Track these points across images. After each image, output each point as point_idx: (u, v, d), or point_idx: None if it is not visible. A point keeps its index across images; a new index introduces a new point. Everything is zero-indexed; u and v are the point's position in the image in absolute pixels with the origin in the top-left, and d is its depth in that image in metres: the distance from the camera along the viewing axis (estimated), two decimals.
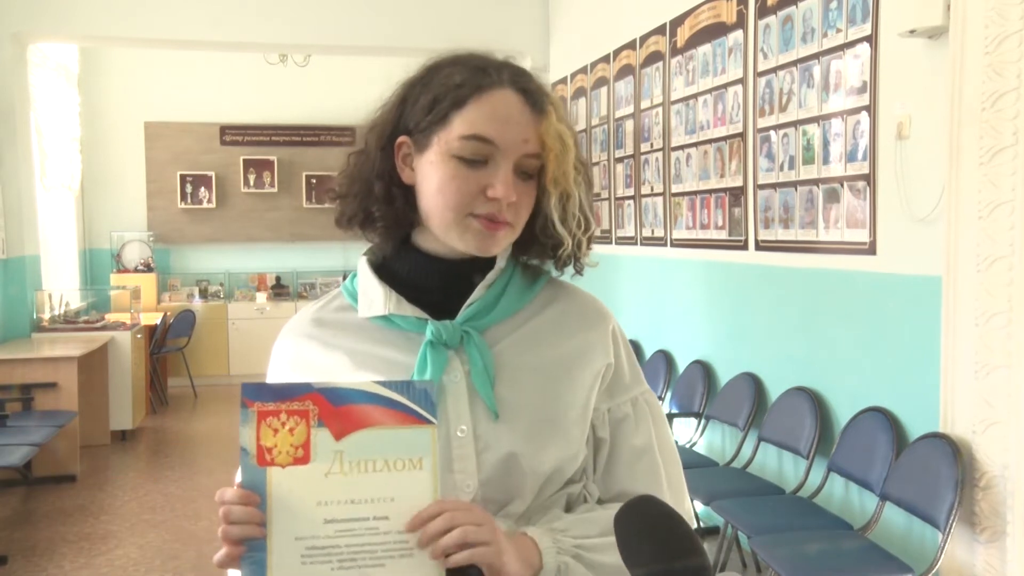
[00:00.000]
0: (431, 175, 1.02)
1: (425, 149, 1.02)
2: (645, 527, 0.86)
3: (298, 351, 1.09)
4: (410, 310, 1.04)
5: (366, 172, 1.06)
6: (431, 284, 1.06)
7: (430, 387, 0.93)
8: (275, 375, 1.11)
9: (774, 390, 3.64)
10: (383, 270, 1.08)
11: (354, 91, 8.76)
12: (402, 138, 1.04)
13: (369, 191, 1.05)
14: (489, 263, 1.07)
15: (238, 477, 0.93)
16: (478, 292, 1.05)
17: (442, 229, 1.02)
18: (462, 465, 1.00)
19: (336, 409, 0.91)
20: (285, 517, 0.89)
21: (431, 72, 1.05)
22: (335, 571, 0.89)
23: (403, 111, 1.05)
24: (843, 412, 3.20)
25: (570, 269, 1.11)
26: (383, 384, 0.92)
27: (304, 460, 0.90)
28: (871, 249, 3.02)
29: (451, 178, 1.00)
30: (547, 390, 1.05)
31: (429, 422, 0.92)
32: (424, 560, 0.90)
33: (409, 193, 1.05)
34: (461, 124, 1.00)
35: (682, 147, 4.41)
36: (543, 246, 1.07)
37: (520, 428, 1.02)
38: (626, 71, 5.11)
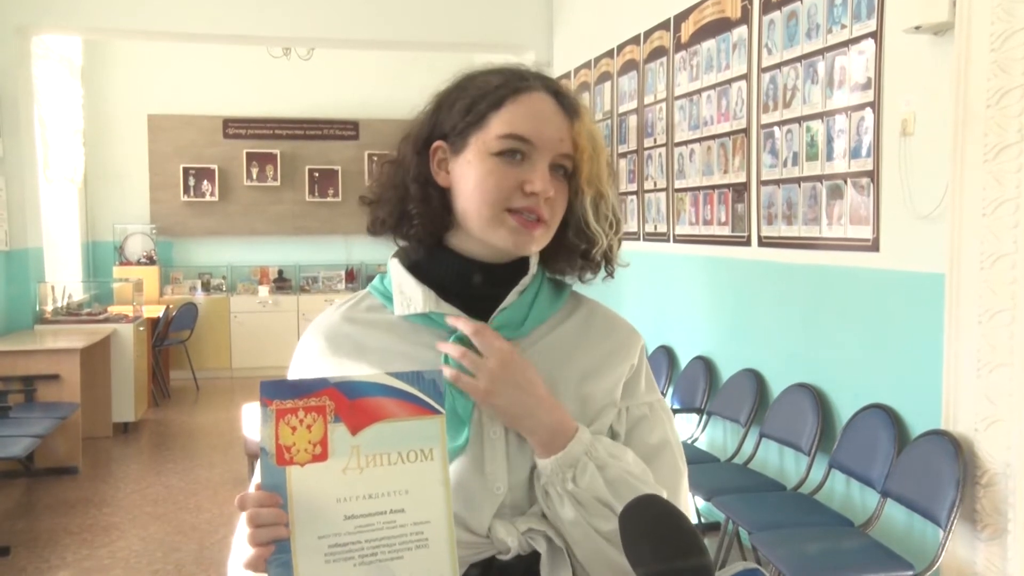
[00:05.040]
0: (468, 174, 1.04)
1: (462, 151, 1.05)
2: (650, 525, 0.88)
3: (331, 347, 1.09)
4: (448, 308, 1.06)
5: (400, 177, 1.08)
6: (465, 284, 1.08)
7: (438, 376, 0.95)
8: (303, 371, 1.10)
9: (776, 386, 3.63)
10: (416, 271, 1.10)
11: (357, 85, 8.79)
12: (437, 143, 1.07)
13: (405, 194, 1.08)
14: (521, 268, 1.08)
15: (257, 478, 0.94)
16: (511, 297, 1.07)
17: (479, 225, 1.04)
18: (493, 468, 1.03)
19: (351, 403, 0.92)
20: (307, 516, 0.90)
21: (466, 80, 1.08)
22: (357, 567, 0.90)
23: (438, 117, 1.08)
24: (845, 409, 3.19)
25: (600, 276, 1.14)
26: (394, 376, 0.94)
27: (322, 457, 0.91)
28: (874, 246, 3.01)
29: (489, 174, 1.03)
30: (577, 398, 1.07)
31: (438, 412, 0.93)
32: (439, 549, 0.92)
33: (444, 195, 1.07)
34: (499, 124, 1.03)
35: (685, 143, 4.41)
36: (572, 251, 1.09)
37: None
38: (630, 66, 5.10)
